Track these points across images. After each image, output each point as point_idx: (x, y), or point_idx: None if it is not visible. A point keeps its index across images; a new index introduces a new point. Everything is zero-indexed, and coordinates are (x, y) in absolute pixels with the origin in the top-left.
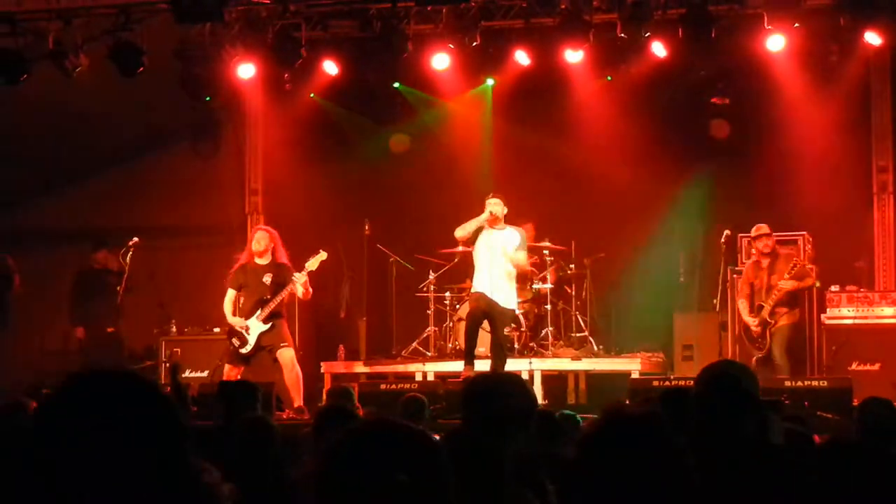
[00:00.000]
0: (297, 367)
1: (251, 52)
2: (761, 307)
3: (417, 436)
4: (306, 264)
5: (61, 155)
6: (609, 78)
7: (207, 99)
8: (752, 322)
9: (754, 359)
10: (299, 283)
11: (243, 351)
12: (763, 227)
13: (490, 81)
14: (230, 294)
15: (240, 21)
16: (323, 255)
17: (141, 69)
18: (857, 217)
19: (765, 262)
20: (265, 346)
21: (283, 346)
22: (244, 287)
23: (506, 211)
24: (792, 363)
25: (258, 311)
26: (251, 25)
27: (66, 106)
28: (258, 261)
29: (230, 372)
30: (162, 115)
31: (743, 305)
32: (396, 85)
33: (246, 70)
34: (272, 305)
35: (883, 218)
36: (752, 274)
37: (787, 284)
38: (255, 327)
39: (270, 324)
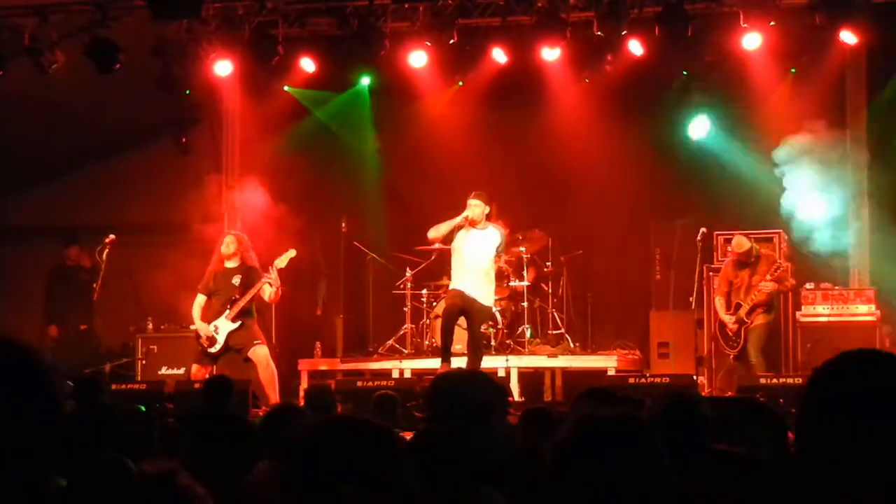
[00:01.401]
0: (272, 365)
1: (228, 50)
2: (739, 306)
3: (373, 432)
4: (276, 262)
5: (37, 152)
6: (587, 80)
7: (187, 92)
8: (730, 320)
9: (731, 356)
10: (266, 285)
11: (212, 350)
12: (743, 244)
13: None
14: (199, 299)
15: (217, 18)
16: (292, 253)
17: (118, 66)
18: (832, 214)
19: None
20: (234, 345)
21: (256, 344)
22: (214, 292)
23: (487, 210)
24: (767, 362)
25: (227, 311)
26: (228, 23)
27: (41, 102)
28: (227, 264)
29: (198, 372)
30: (139, 112)
31: (720, 303)
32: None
33: (223, 67)
34: (241, 304)
35: (858, 216)
36: (732, 272)
37: (767, 286)
38: (224, 326)
39: (239, 322)
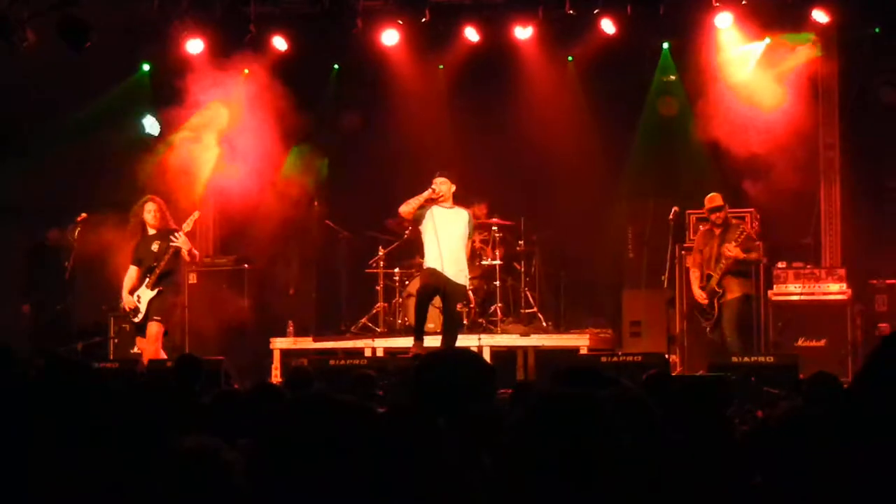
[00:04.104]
0: (159, 344)
1: (200, 28)
2: (710, 277)
3: (352, 410)
4: (183, 225)
5: (12, 130)
6: (570, 59)
7: (147, 69)
8: (700, 295)
9: (708, 330)
10: (179, 244)
11: (136, 320)
12: (717, 199)
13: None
14: (131, 271)
15: None
16: (196, 215)
17: (89, 44)
18: (804, 194)
19: (717, 231)
20: (153, 314)
21: (155, 320)
22: (140, 261)
23: (454, 188)
24: (742, 341)
25: (146, 279)
26: (200, 0)
27: (17, 80)
28: (150, 231)
29: (141, 343)
30: (111, 90)
31: (694, 276)
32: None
33: (194, 45)
34: (157, 271)
35: (830, 195)
36: (703, 242)
37: (732, 252)
38: (145, 295)
39: (157, 290)
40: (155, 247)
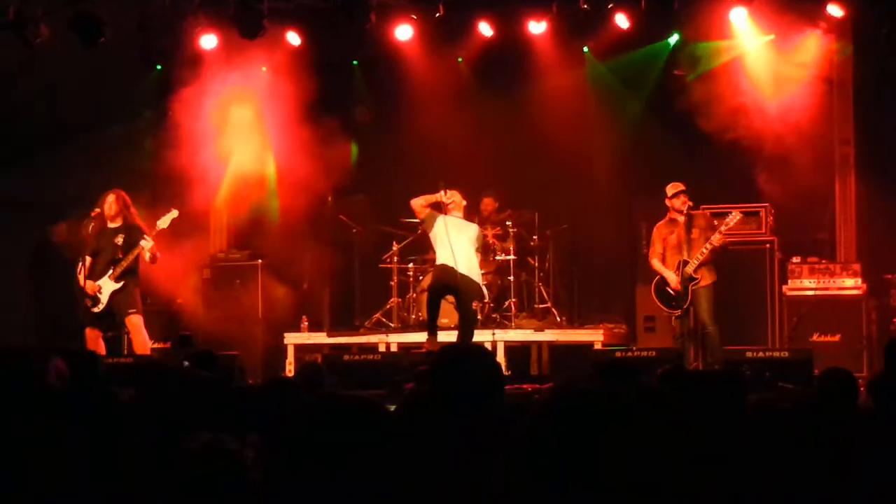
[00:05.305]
0: (145, 333)
1: (213, 24)
2: (685, 262)
3: (367, 408)
4: (158, 222)
5: (23, 125)
6: (586, 50)
7: (158, 68)
8: (674, 280)
9: (673, 318)
10: (147, 248)
11: (95, 310)
12: (679, 185)
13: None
14: (85, 261)
15: None
16: (174, 213)
17: (102, 39)
18: (819, 189)
19: (681, 219)
20: (116, 308)
21: (131, 313)
22: (99, 252)
23: (465, 203)
24: (720, 328)
25: (110, 271)
26: None
27: (29, 76)
28: (110, 224)
29: (90, 335)
30: (125, 86)
31: (659, 265)
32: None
33: (208, 41)
34: (124, 265)
35: (845, 190)
36: (667, 230)
37: (717, 241)
38: (107, 286)
39: (122, 283)
40: (119, 240)
